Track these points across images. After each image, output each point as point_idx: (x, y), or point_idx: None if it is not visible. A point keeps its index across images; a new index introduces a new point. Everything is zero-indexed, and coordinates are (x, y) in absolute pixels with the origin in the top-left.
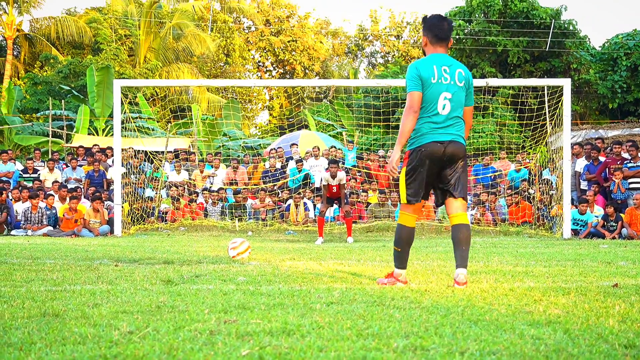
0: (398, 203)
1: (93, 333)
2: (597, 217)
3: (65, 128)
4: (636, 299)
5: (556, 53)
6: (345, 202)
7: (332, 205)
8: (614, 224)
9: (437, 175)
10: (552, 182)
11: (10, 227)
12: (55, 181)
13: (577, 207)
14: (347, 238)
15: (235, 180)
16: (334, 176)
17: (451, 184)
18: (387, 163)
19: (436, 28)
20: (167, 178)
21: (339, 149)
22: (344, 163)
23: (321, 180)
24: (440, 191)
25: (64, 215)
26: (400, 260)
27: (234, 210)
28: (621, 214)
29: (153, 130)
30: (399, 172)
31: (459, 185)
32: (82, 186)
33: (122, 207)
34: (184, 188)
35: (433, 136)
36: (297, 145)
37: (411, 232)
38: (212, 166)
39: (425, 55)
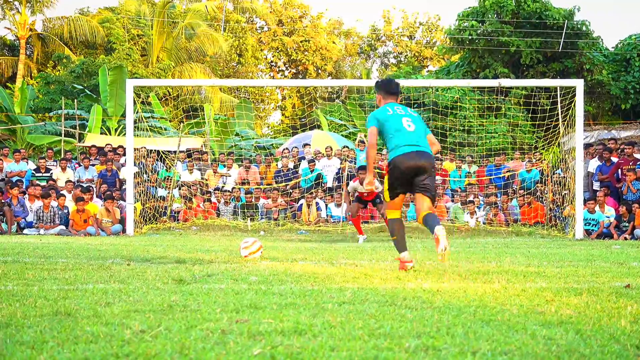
0: (411, 203)
1: (105, 332)
2: (608, 217)
3: (77, 127)
4: None
5: (569, 54)
6: (379, 202)
7: (366, 206)
8: (626, 225)
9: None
10: (566, 179)
11: (21, 226)
12: (69, 180)
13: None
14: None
15: (247, 180)
16: (363, 182)
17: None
18: None
19: (387, 86)
20: (180, 177)
21: (351, 149)
22: (355, 163)
23: (348, 188)
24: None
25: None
26: (400, 245)
27: (246, 210)
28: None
29: (165, 129)
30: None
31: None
32: (94, 185)
33: (135, 206)
34: (197, 187)
35: (405, 148)
36: (309, 145)
37: (401, 222)
38: (224, 166)
39: None
